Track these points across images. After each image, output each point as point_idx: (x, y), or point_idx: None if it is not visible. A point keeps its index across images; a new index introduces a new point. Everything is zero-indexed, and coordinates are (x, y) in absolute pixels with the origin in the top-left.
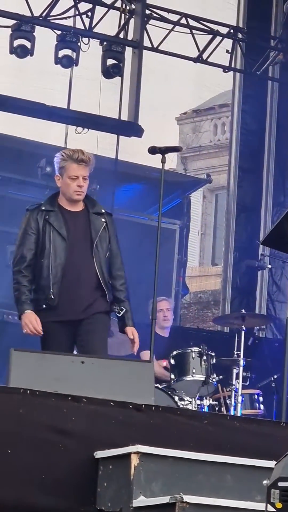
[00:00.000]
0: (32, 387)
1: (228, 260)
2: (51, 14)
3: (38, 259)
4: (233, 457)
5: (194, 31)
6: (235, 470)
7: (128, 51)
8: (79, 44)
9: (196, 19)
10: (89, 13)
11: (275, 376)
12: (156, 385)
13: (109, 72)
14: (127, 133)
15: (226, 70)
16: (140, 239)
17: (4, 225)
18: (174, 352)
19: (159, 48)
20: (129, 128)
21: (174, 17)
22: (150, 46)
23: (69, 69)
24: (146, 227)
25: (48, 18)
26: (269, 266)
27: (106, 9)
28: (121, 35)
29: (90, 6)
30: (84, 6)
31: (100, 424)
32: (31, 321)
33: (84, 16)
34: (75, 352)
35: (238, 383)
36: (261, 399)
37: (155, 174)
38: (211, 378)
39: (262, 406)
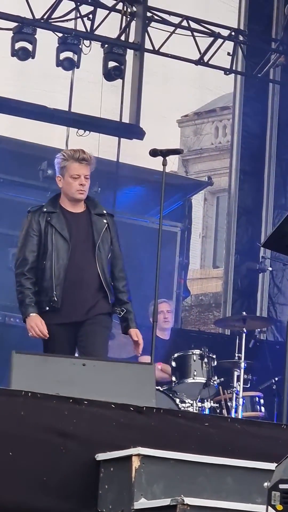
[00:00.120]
0: (34, 390)
1: (229, 263)
2: (52, 16)
3: (41, 261)
4: (234, 459)
5: (195, 34)
6: (236, 472)
7: (129, 54)
8: (80, 46)
9: (198, 21)
10: (91, 16)
11: (276, 379)
12: (157, 387)
13: (110, 75)
14: (129, 136)
15: (227, 72)
16: (141, 241)
17: (5, 227)
18: (175, 355)
19: (160, 50)
20: (130, 130)
21: (176, 20)
22: (151, 48)
23: (70, 71)
24: (147, 230)
25: (50, 20)
26: (270, 269)
27: (108, 11)
28: (123, 38)
29: (92, 8)
30: (85, 9)
31: (101, 426)
32: (37, 324)
33: (85, 19)
34: (77, 353)
35: (239, 385)
36: (262, 401)
37: (156, 176)
38: (212, 381)
39: (263, 409)
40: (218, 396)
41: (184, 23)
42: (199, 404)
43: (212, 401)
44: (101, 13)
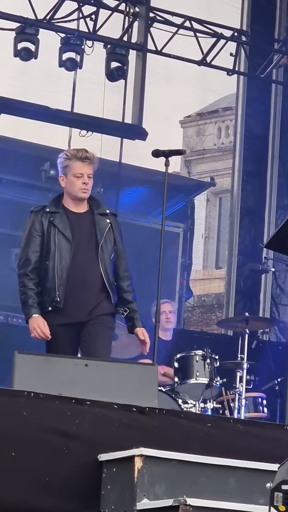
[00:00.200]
0: (36, 390)
1: (232, 263)
2: (55, 17)
3: (43, 261)
4: (237, 460)
5: (198, 34)
6: (238, 473)
7: (132, 54)
8: (83, 47)
9: (200, 22)
10: (93, 16)
11: (279, 379)
12: (159, 388)
13: (113, 75)
14: (131, 136)
15: (230, 73)
16: (144, 242)
17: (8, 228)
18: (178, 355)
19: (163, 51)
20: (133, 131)
21: (178, 20)
22: (154, 49)
23: (73, 72)
24: (150, 230)
25: (52, 21)
26: (273, 269)
27: (110, 12)
28: (125, 38)
29: (94, 9)
30: (88, 9)
31: (104, 426)
32: (39, 326)
33: (88, 19)
34: (79, 354)
35: (242, 386)
36: (264, 402)
37: (158, 177)
38: (214, 381)
39: (265, 409)
40: (220, 397)
41: (187, 24)
42: (202, 405)
43: (214, 402)
44: (103, 13)
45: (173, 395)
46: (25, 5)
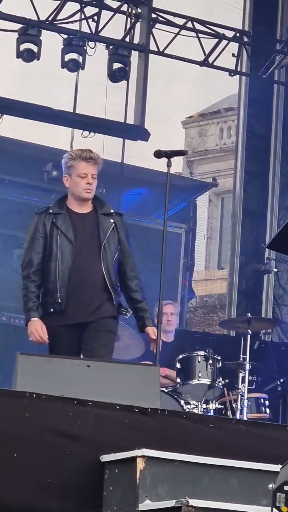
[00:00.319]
0: (38, 391)
1: (234, 264)
2: (57, 18)
3: (46, 263)
4: (239, 461)
5: (200, 35)
6: (240, 474)
7: (134, 55)
8: (85, 48)
9: (202, 22)
10: (95, 17)
11: (281, 380)
12: (162, 388)
13: (115, 76)
14: (134, 137)
15: (232, 73)
16: (146, 243)
17: (10, 229)
18: (180, 356)
19: (165, 51)
20: (135, 131)
21: (180, 21)
22: (156, 49)
23: (75, 73)
24: (151, 231)
25: (55, 22)
26: (275, 270)
27: (112, 13)
28: (127, 39)
29: (96, 10)
30: (90, 10)
31: (106, 427)
32: (37, 330)
33: (90, 20)
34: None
35: (244, 387)
36: (267, 403)
37: (160, 178)
38: (217, 382)
39: (268, 410)
40: (223, 397)
41: (189, 25)
42: (204, 406)
43: (217, 403)
44: (105, 14)
45: (175, 396)
46: (27, 6)
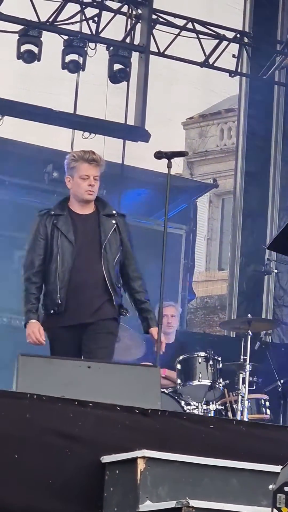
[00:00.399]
0: (39, 392)
1: (234, 265)
2: (58, 19)
3: (47, 264)
4: (239, 462)
5: (200, 36)
6: (241, 474)
7: (135, 56)
8: (85, 49)
9: (203, 23)
10: (96, 18)
11: (282, 381)
12: (162, 389)
13: (115, 77)
14: (134, 138)
15: (233, 74)
16: (146, 244)
17: (11, 230)
18: (181, 357)
19: (166, 53)
20: (135, 132)
21: (181, 22)
22: (156, 50)
23: (75, 74)
24: (152, 232)
25: (55, 23)
26: (276, 271)
27: (113, 14)
28: (128, 40)
29: (97, 11)
30: (90, 11)
31: (107, 428)
32: (34, 332)
33: (90, 21)
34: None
35: (245, 387)
36: (267, 404)
37: (161, 179)
38: (217, 383)
39: (268, 411)
40: (223, 398)
41: (189, 25)
42: (204, 407)
43: (217, 404)
44: (106, 15)
45: (176, 397)
46: (28, 7)
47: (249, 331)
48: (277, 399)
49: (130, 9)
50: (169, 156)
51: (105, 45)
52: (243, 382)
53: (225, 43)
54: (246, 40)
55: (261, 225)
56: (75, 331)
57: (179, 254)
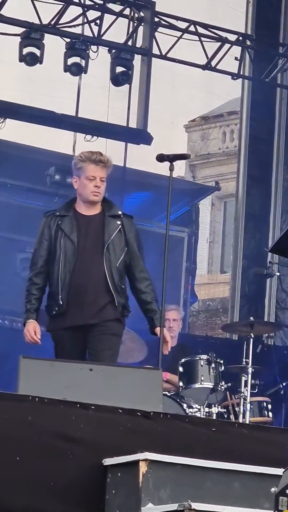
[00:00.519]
0: (41, 395)
1: (236, 268)
2: (60, 22)
3: (51, 265)
4: (241, 465)
5: (202, 39)
6: (243, 477)
7: (137, 59)
8: (88, 52)
9: (205, 26)
10: (98, 21)
11: (284, 384)
12: (164, 392)
13: (117, 80)
14: (136, 141)
15: (235, 77)
16: (148, 246)
17: (12, 232)
18: (183, 360)
19: (168, 55)
20: (137, 135)
21: (183, 25)
22: (158, 53)
23: (77, 76)
24: (154, 235)
25: (57, 26)
26: (278, 274)
27: (115, 16)
28: (130, 43)
29: (99, 14)
30: (92, 14)
31: (109, 431)
32: (29, 331)
33: (93, 24)
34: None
35: (247, 390)
36: (269, 406)
37: (163, 181)
38: (219, 386)
39: (270, 414)
40: (225, 401)
41: (192, 28)
42: (207, 409)
43: (219, 406)
44: (108, 18)
45: (178, 400)
46: (30, 10)
47: (251, 334)
48: (279, 402)
49: (132, 12)
50: (171, 159)
51: (107, 48)
52: (245, 385)
53: (227, 45)
54: (248, 42)
55: (263, 228)
56: (78, 332)
57: (181, 256)
